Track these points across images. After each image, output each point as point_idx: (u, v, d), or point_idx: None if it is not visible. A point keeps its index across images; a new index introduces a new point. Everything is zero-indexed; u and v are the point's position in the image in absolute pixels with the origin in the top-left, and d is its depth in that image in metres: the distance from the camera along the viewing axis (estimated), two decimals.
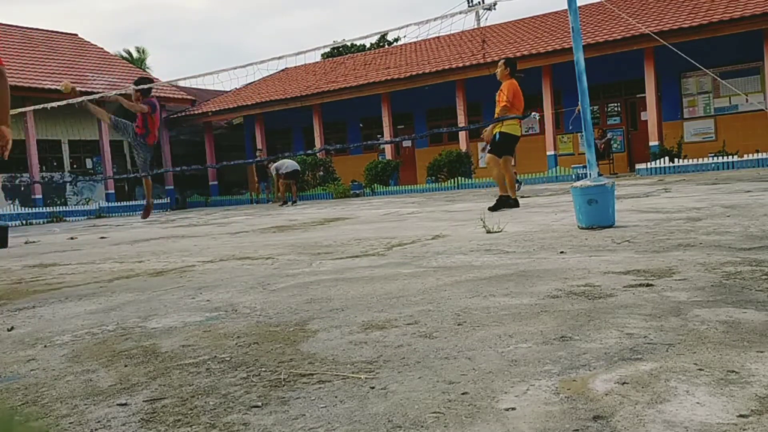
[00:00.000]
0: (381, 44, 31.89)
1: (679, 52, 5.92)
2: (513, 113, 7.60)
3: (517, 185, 8.24)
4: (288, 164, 16.75)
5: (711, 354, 1.59)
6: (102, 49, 25.75)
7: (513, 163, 8.13)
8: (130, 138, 9.82)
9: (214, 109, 23.43)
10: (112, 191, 21.71)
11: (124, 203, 21.40)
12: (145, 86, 9.79)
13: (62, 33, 25.54)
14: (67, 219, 19.21)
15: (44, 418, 1.54)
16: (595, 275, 2.77)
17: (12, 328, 2.67)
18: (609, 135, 18.43)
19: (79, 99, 9.79)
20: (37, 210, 19.16)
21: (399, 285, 2.93)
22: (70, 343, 2.32)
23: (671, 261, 2.99)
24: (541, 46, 18.17)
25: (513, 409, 1.35)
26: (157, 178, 20.77)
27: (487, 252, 3.87)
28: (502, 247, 4.05)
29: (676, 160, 15.88)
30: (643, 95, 17.54)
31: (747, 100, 16.45)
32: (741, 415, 1.22)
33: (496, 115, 7.72)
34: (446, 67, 19.14)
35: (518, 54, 18.10)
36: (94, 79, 21.72)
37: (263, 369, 1.79)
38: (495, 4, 9.11)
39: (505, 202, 7.70)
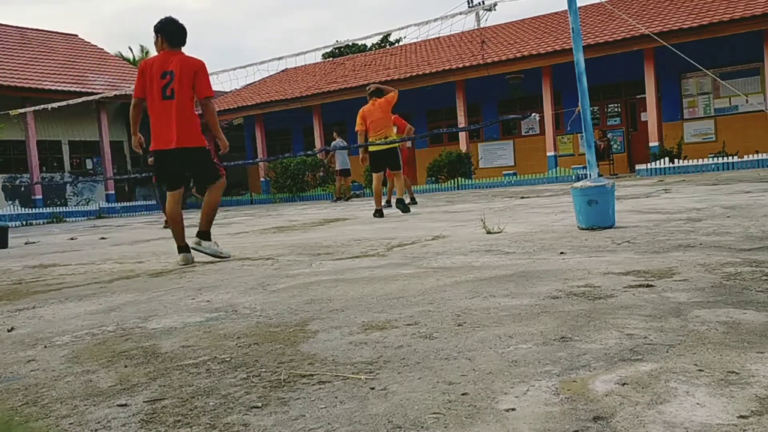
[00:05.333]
0: (382, 45, 31.92)
1: (679, 53, 5.92)
2: (369, 135, 8.66)
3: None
4: (340, 160, 16.78)
5: (711, 355, 1.59)
6: (102, 49, 25.75)
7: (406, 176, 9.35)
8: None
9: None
10: (113, 192, 21.71)
11: (125, 204, 21.40)
12: None
13: (61, 33, 25.54)
14: (68, 219, 19.19)
15: (44, 419, 1.54)
16: (595, 276, 2.77)
17: (12, 329, 2.67)
18: (609, 136, 18.43)
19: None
20: (37, 210, 19.15)
21: (399, 286, 2.93)
22: (70, 343, 2.32)
23: (671, 262, 2.99)
24: (541, 47, 18.17)
25: (513, 409, 1.35)
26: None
27: (487, 253, 3.87)
28: (502, 247, 4.05)
29: (676, 160, 15.87)
30: (643, 96, 17.53)
31: (747, 101, 16.45)
32: (741, 416, 1.22)
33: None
34: (446, 68, 19.14)
35: (518, 55, 18.11)
36: (94, 80, 21.72)
37: (263, 370, 1.79)
38: (495, 4, 9.15)
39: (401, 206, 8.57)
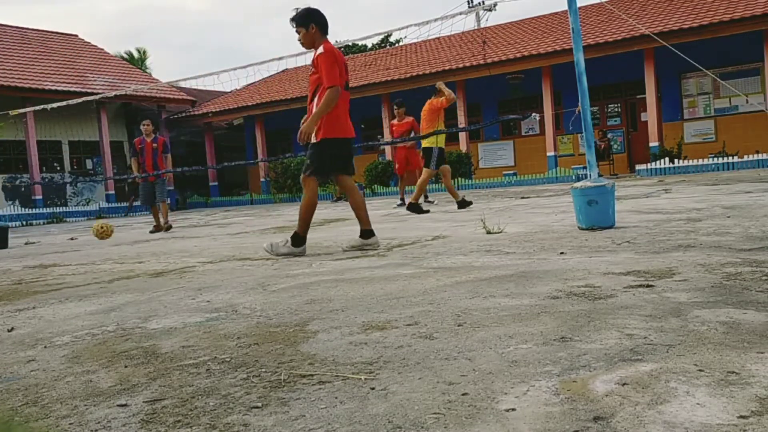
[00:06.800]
0: (382, 45, 31.90)
1: (679, 53, 5.92)
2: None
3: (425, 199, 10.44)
4: None
5: (711, 355, 1.59)
6: (102, 49, 25.75)
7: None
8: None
9: (214, 110, 23.43)
10: (113, 192, 21.70)
11: (125, 204, 21.38)
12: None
13: (61, 33, 25.53)
14: (68, 220, 19.20)
15: (44, 419, 1.54)
16: (595, 276, 2.77)
17: (12, 329, 2.67)
18: (609, 136, 18.43)
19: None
20: (37, 211, 19.15)
21: (399, 286, 2.93)
22: (70, 343, 2.32)
23: (671, 262, 2.98)
24: (541, 47, 18.16)
25: (513, 409, 1.35)
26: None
27: (488, 253, 3.87)
28: (502, 247, 4.05)
29: (676, 160, 15.87)
30: (643, 96, 17.53)
31: (747, 101, 16.45)
32: (741, 416, 1.22)
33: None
34: (446, 68, 19.14)
35: (518, 55, 18.11)
36: (94, 80, 21.71)
37: (263, 370, 1.79)
38: (495, 4, 9.17)
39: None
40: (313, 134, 4.58)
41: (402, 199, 11.13)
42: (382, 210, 10.40)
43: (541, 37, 19.39)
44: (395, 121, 11.49)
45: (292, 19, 4.61)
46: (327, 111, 4.51)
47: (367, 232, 4.70)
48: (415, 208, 8.47)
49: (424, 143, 8.92)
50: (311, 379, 1.66)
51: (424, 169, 8.88)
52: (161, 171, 9.56)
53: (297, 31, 4.62)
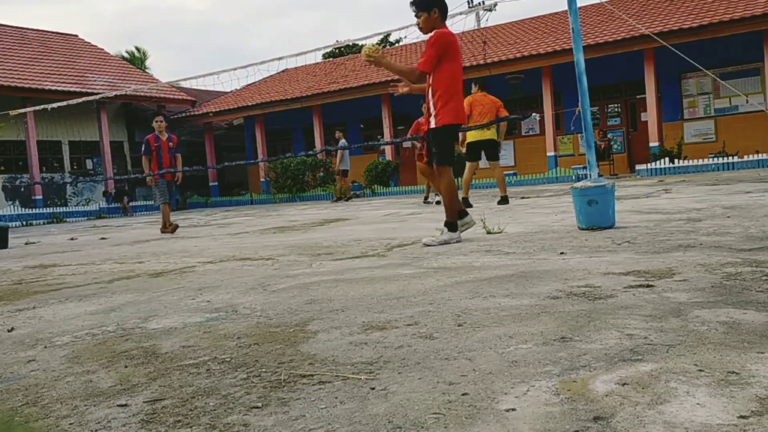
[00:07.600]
0: (383, 45, 31.90)
1: (679, 53, 5.92)
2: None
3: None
4: (342, 160, 16.65)
5: (711, 355, 1.59)
6: (102, 49, 25.75)
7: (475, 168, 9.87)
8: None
9: (214, 110, 23.41)
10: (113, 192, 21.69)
11: (117, 205, 21.35)
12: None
13: (61, 33, 25.54)
14: (68, 220, 19.19)
15: (44, 419, 1.54)
16: (595, 276, 2.77)
17: (12, 329, 2.67)
18: (609, 136, 18.43)
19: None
20: (37, 211, 19.14)
21: (399, 286, 2.93)
22: (71, 343, 2.32)
23: (671, 262, 2.98)
24: (541, 47, 18.16)
25: (513, 410, 1.35)
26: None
27: (488, 253, 3.87)
28: (502, 247, 4.05)
29: (676, 160, 15.87)
30: (643, 96, 17.52)
31: (747, 101, 16.44)
32: (741, 416, 1.22)
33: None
34: None
35: (518, 55, 18.11)
36: (94, 80, 21.71)
37: (263, 370, 1.79)
38: (495, 5, 9.21)
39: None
40: (433, 118, 4.53)
41: (434, 194, 11.31)
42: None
43: (541, 37, 19.38)
44: (422, 120, 11.42)
45: (413, 3, 4.46)
46: (395, 72, 4.62)
47: (454, 220, 4.73)
48: (505, 200, 9.04)
49: (486, 135, 9.12)
50: (311, 379, 1.66)
51: (498, 163, 9.38)
52: (178, 170, 9.19)
53: (417, 15, 4.48)
